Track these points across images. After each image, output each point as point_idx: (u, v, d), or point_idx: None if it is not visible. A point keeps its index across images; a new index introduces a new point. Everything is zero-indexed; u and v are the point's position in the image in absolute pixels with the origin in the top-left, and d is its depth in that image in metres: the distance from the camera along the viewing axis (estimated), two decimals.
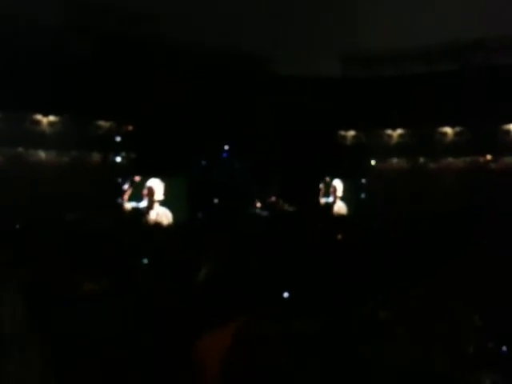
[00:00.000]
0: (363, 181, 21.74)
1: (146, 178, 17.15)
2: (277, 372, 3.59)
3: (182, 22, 19.08)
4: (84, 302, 5.34)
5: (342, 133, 24.57)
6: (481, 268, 7.83)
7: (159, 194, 17.29)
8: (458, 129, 23.10)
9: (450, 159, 23.15)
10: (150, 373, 3.64)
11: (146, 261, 10.19)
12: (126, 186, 17.27)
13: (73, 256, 8.17)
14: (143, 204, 17.18)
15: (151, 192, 17.25)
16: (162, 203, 17.34)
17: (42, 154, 19.99)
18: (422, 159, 23.61)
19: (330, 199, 21.22)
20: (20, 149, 19.21)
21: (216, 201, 18.56)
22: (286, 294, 7.88)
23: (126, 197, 17.24)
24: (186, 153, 17.67)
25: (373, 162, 23.40)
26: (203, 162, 18.91)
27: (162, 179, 17.32)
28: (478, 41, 20.82)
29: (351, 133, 24.68)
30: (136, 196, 17.17)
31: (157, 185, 17.26)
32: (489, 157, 22.38)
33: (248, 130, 19.47)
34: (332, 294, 7.43)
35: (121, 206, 17.16)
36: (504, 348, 5.25)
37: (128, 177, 17.62)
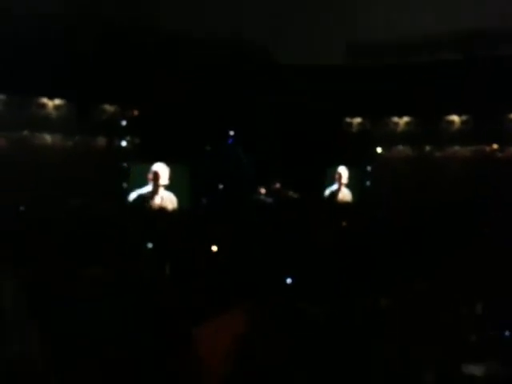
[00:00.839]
0: (368, 168, 21.65)
1: (151, 162, 17.16)
2: (278, 362, 3.61)
3: (184, 9, 18.99)
4: (87, 289, 5.36)
5: (348, 120, 24.47)
6: (485, 258, 7.83)
7: (164, 179, 17.29)
8: (464, 117, 22.96)
9: (456, 148, 23.03)
10: (150, 361, 3.65)
11: (150, 245, 10.24)
12: (130, 171, 17.31)
13: (77, 241, 8.20)
14: (148, 188, 17.20)
15: (156, 176, 17.26)
16: (167, 188, 17.35)
17: (47, 138, 20.02)
18: (427, 147, 23.50)
19: (335, 186, 21.16)
20: (25, 132, 19.24)
21: (221, 186, 18.54)
22: (289, 280, 7.91)
23: (130, 181, 17.29)
24: (191, 138, 17.63)
25: (379, 150, 23.30)
26: (208, 148, 18.87)
27: (167, 164, 17.32)
28: (482, 29, 20.62)
29: (357, 120, 24.57)
30: (141, 180, 17.20)
31: (162, 169, 17.26)
32: (495, 146, 22.26)
33: (253, 117, 19.41)
34: (335, 282, 7.45)
35: (126, 190, 17.20)
36: (507, 333, 5.26)
37: (133, 161, 17.64)
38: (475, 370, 4.38)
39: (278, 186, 19.75)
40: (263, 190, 19.32)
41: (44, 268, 5.73)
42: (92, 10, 18.67)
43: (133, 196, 16.96)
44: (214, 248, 10.58)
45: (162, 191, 17.17)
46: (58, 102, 20.02)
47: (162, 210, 16.88)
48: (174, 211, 16.97)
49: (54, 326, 3.64)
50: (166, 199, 17.18)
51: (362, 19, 20.00)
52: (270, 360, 3.57)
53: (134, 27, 19.44)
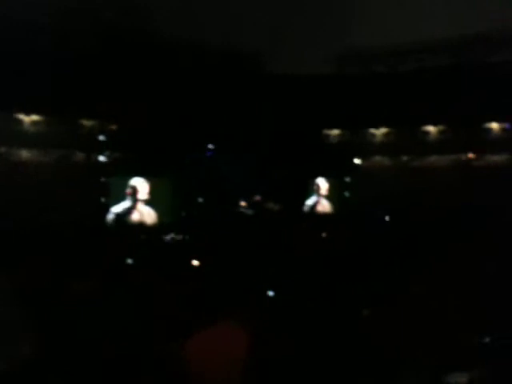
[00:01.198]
0: (348, 179, 21.83)
1: (130, 176, 17.06)
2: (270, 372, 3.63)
3: (170, 20, 18.99)
4: (71, 302, 5.32)
5: (327, 132, 24.71)
6: (467, 263, 7.92)
7: (143, 193, 17.18)
8: (441, 127, 23.33)
9: (434, 157, 23.37)
10: (139, 371, 3.64)
11: (130, 261, 10.16)
12: (110, 186, 17.20)
13: (57, 256, 8.12)
14: (126, 204, 17.07)
15: (135, 191, 17.14)
16: (147, 202, 17.22)
17: (24, 154, 19.84)
18: (405, 157, 23.81)
19: (315, 198, 21.28)
20: (2, 148, 19.06)
21: (201, 200, 18.49)
22: (270, 293, 7.90)
23: (109, 196, 17.16)
24: (171, 152, 17.60)
25: (357, 161, 23.55)
26: (188, 161, 18.85)
27: (147, 178, 17.22)
28: (465, 39, 21.01)
29: (335, 131, 24.82)
30: (121, 195, 17.08)
31: (141, 184, 17.15)
32: (471, 155, 22.62)
33: (233, 129, 19.46)
34: (316, 291, 7.47)
35: (105, 205, 17.06)
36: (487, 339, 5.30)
37: (112, 176, 17.53)
38: (459, 377, 4.42)
39: (258, 198, 19.81)
40: (244, 203, 19.36)
41: (27, 279, 5.69)
42: (71, 25, 18.62)
43: (112, 211, 16.85)
44: (195, 262, 10.55)
45: (140, 206, 17.07)
46: (35, 117, 19.88)
47: (140, 225, 16.78)
48: (153, 225, 16.87)
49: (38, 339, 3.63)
50: (145, 214, 17.08)
51: (347, 30, 20.25)
52: (261, 370, 3.58)
53: (113, 44, 19.42)
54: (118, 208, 17.03)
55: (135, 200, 17.03)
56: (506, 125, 22.15)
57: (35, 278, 6.11)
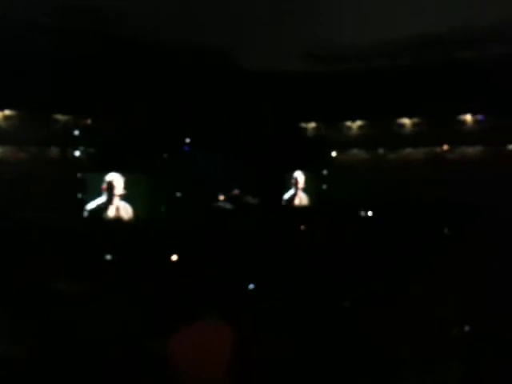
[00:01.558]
0: (324, 172, 21.98)
1: (106, 172, 16.91)
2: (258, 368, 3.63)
3: (145, 15, 18.83)
4: (51, 300, 5.25)
5: (303, 125, 24.75)
6: (450, 258, 8.03)
7: (119, 189, 17.06)
8: (415, 119, 23.53)
9: (409, 150, 23.58)
10: (127, 373, 3.60)
11: (108, 257, 10.08)
12: (85, 181, 17.04)
13: (35, 255, 8.01)
14: (102, 199, 16.95)
15: (111, 186, 17.02)
16: (123, 198, 17.11)
17: None
18: (381, 150, 23.97)
19: (292, 191, 21.39)
20: None
21: (178, 194, 18.41)
22: (251, 286, 7.93)
23: (85, 192, 17.01)
24: (147, 146, 17.47)
25: (333, 154, 23.66)
26: (165, 155, 18.72)
27: (123, 173, 17.10)
28: (435, 34, 21.18)
29: (312, 125, 24.88)
30: (97, 190, 16.94)
31: (117, 179, 17.03)
32: (446, 147, 22.87)
33: (209, 123, 19.38)
34: (298, 285, 7.50)
35: (80, 201, 16.91)
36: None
37: (88, 171, 17.36)
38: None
39: (236, 192, 19.78)
40: (222, 197, 19.31)
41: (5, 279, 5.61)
42: (51, 21, 18.32)
43: (88, 207, 16.69)
44: (174, 257, 10.51)
45: (117, 201, 16.93)
46: (7, 112, 19.54)
47: (117, 220, 16.65)
48: (129, 221, 16.76)
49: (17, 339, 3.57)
50: (122, 209, 16.96)
51: (319, 26, 20.21)
52: (247, 366, 3.58)
53: (87, 35, 19.15)
54: (94, 203, 16.91)
55: (111, 195, 16.92)
56: (480, 117, 22.45)
57: (13, 275, 6.03)
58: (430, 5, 18.15)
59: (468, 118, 22.56)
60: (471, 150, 22.31)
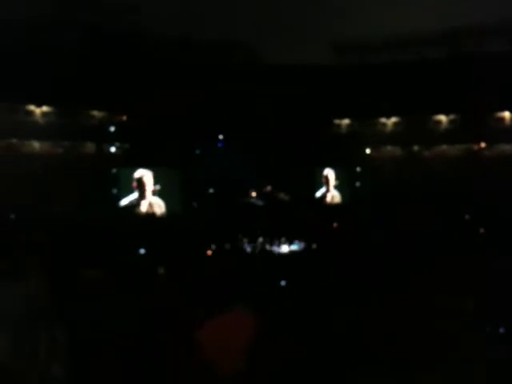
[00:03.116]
0: (358, 169, 21.72)
1: (140, 167, 17.10)
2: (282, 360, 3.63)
3: (170, 13, 18.99)
4: (87, 290, 5.36)
5: (337, 122, 24.62)
6: (475, 256, 7.89)
7: (150, 185, 17.22)
8: (452, 116, 23.17)
9: (444, 147, 23.24)
10: (152, 362, 3.66)
11: (142, 251, 10.21)
12: (119, 177, 17.28)
13: (69, 247, 8.17)
14: (135, 195, 17.13)
15: (142, 183, 17.18)
16: (156, 193, 17.27)
17: (35, 145, 19.92)
18: (416, 147, 23.68)
19: (324, 189, 21.25)
20: (14, 140, 19.15)
21: (211, 190, 18.50)
22: (283, 283, 7.93)
23: (119, 187, 17.23)
24: (181, 142, 17.62)
25: (367, 151, 23.42)
26: (198, 152, 18.84)
27: (156, 169, 17.26)
28: (468, 28, 20.81)
29: (345, 121, 24.72)
30: (129, 187, 17.13)
31: (148, 175, 17.19)
32: (483, 144, 22.47)
33: (243, 120, 19.43)
34: (326, 284, 7.47)
35: (115, 196, 17.13)
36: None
37: (122, 167, 17.59)
38: None
39: (268, 188, 19.80)
40: (254, 193, 19.34)
41: (42, 270, 5.72)
42: (77, 16, 18.62)
43: (122, 202, 16.88)
44: (209, 252, 10.60)
45: (149, 197, 17.09)
46: (45, 108, 19.94)
47: (150, 215, 16.81)
48: (162, 216, 16.91)
49: (54, 327, 3.63)
50: (155, 205, 17.12)
51: (348, 20, 20.13)
52: (274, 358, 3.60)
53: (119, 33, 19.42)
54: (128, 199, 17.09)
55: (143, 191, 17.09)
56: None
57: (48, 267, 6.15)
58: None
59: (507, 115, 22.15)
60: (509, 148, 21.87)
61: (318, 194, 21.03)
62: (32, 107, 19.79)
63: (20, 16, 17.26)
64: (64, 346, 1.39)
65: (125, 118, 19.99)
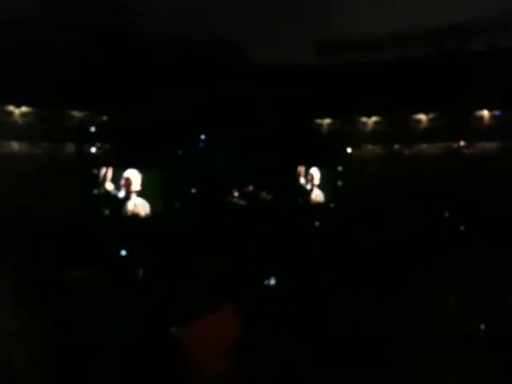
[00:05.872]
0: (340, 168, 21.86)
1: (123, 168, 16.97)
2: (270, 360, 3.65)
3: (157, 13, 18.93)
4: (70, 292, 5.33)
5: (318, 121, 24.71)
6: (458, 253, 7.97)
7: (136, 185, 17.12)
8: (432, 115, 23.39)
9: (425, 145, 23.46)
10: (138, 361, 3.64)
11: (124, 252, 10.14)
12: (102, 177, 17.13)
13: (51, 248, 8.10)
14: (121, 195, 17.01)
15: (128, 183, 17.07)
16: (140, 194, 17.17)
17: (14, 146, 19.73)
18: (396, 146, 23.87)
19: (308, 187, 21.30)
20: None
21: (194, 191, 18.45)
22: (272, 281, 7.94)
23: (104, 186, 17.09)
24: (164, 143, 17.54)
25: (349, 150, 23.55)
26: (180, 152, 18.78)
27: (139, 170, 17.15)
28: (451, 27, 21.01)
29: (327, 121, 24.84)
30: (114, 186, 17.01)
31: (134, 175, 17.08)
32: (462, 143, 22.72)
33: (224, 120, 19.40)
34: (312, 280, 7.50)
35: (97, 196, 17.00)
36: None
37: (104, 168, 17.45)
38: None
39: (250, 188, 19.78)
40: (236, 193, 19.32)
41: (31, 269, 5.68)
42: (67, 16, 18.46)
43: (106, 199, 16.76)
44: (194, 251, 10.55)
45: (134, 197, 17.00)
46: (24, 109, 19.75)
47: (134, 215, 16.72)
48: (147, 217, 16.83)
49: (42, 326, 3.62)
50: (139, 205, 17.03)
51: (332, 19, 20.20)
52: (261, 358, 3.60)
53: (103, 35, 19.31)
54: (111, 199, 16.96)
55: (129, 192, 16.98)
56: (497, 112, 22.26)
57: (34, 268, 6.11)
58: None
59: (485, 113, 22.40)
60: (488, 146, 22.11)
61: (301, 193, 21.09)
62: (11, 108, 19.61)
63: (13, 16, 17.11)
64: (49, 345, 1.39)
65: (105, 118, 19.85)
